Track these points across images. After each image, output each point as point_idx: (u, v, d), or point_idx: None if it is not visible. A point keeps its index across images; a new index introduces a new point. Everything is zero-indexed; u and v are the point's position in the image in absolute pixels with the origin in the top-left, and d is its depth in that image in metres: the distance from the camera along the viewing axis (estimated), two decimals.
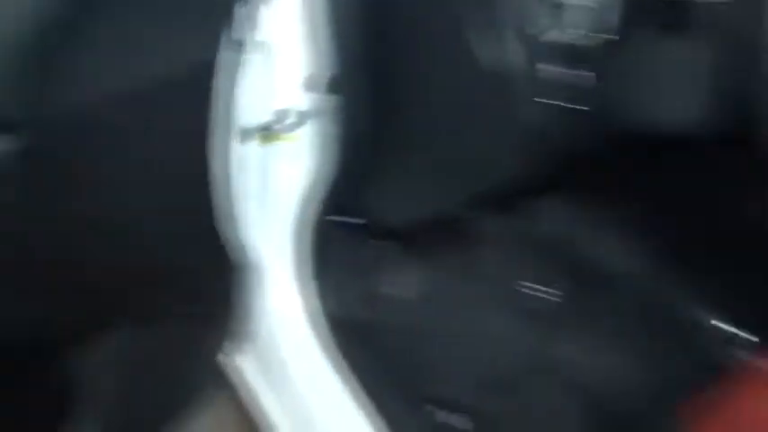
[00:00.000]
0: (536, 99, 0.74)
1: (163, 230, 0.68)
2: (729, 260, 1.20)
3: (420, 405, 1.07)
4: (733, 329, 1.20)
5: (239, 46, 0.68)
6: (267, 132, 0.86)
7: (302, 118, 0.89)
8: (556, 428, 1.11)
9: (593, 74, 0.79)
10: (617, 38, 0.79)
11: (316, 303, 1.03)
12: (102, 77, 0.59)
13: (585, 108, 0.79)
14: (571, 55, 0.76)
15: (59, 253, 0.61)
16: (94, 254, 0.63)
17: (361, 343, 1.08)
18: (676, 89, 0.82)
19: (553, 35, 0.77)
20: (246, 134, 0.81)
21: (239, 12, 0.67)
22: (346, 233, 1.06)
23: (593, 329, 1.26)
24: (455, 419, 1.05)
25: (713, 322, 1.24)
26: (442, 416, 1.06)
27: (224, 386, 1.09)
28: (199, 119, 0.65)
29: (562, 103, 0.76)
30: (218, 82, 0.64)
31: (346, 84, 0.85)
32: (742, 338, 1.16)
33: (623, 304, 1.31)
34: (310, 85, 0.86)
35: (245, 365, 1.09)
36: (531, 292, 1.30)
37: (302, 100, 0.88)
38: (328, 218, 1.00)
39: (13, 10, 0.54)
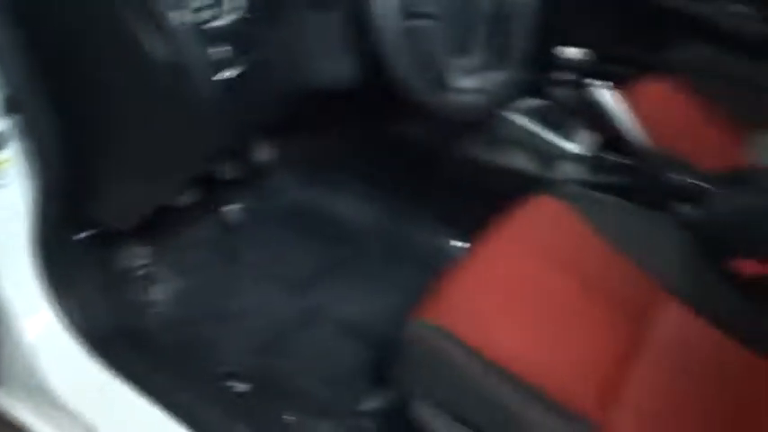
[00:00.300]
0: (210, 79, 0.83)
1: None
2: (441, 186, 1.43)
3: (213, 384, 1.12)
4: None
5: None
6: None
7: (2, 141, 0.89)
8: (335, 368, 1.23)
9: (258, 49, 0.91)
10: (271, 16, 0.93)
11: (69, 323, 1.04)
12: None
13: (259, 79, 0.91)
14: (235, 35, 0.88)
15: None
16: None
17: (134, 349, 1.10)
18: (328, 53, 0.99)
19: (215, 20, 0.88)
20: None
21: None
22: (80, 246, 1.08)
23: (350, 277, 1.42)
24: (239, 386, 1.12)
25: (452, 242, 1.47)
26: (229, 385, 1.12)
27: None
28: None
29: (236, 79, 0.87)
30: None
31: (23, 101, 0.87)
32: None
33: (372, 248, 1.49)
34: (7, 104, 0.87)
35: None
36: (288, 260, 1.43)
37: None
38: (59, 235, 1.02)
39: None
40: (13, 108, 0.89)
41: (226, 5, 0.88)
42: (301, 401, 1.13)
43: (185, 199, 1.32)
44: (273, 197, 1.59)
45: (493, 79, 1.01)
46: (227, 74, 0.83)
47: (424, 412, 0.87)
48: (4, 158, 0.92)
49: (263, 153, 1.52)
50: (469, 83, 0.96)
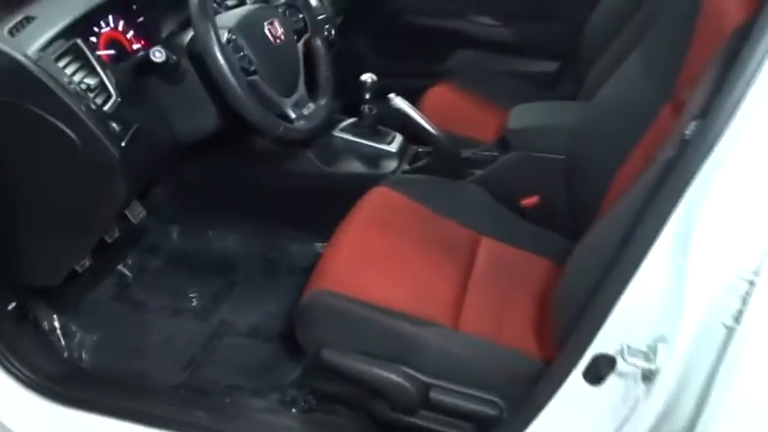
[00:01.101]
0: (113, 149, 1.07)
1: None
2: (299, 201, 1.75)
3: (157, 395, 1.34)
4: None
5: None
6: None
7: None
8: (252, 363, 1.50)
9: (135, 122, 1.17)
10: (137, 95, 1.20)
11: (18, 368, 1.22)
12: None
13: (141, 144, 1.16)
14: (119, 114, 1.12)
15: None
16: None
17: (74, 385, 1.30)
18: (184, 113, 1.27)
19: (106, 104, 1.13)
20: None
21: None
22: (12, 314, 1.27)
23: (242, 294, 1.70)
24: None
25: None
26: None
27: None
28: None
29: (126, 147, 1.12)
30: None
31: None
32: None
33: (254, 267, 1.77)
34: None
35: None
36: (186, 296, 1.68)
37: None
38: None
39: None
40: None
41: (112, 93, 1.14)
42: (235, 394, 1.38)
43: (84, 264, 1.52)
44: (157, 250, 1.81)
45: (316, 107, 1.36)
46: (122, 144, 1.09)
47: (332, 356, 1.17)
48: None
49: (137, 213, 1.75)
50: (301, 112, 1.29)
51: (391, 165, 1.67)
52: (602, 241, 0.92)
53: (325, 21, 1.73)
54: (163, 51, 1.11)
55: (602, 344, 0.83)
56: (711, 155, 0.68)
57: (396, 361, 1.14)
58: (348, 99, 1.78)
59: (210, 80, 1.15)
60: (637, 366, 0.77)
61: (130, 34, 1.30)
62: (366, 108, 1.65)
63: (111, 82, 1.10)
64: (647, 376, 0.78)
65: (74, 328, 1.51)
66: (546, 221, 1.48)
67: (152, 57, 1.10)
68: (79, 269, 1.50)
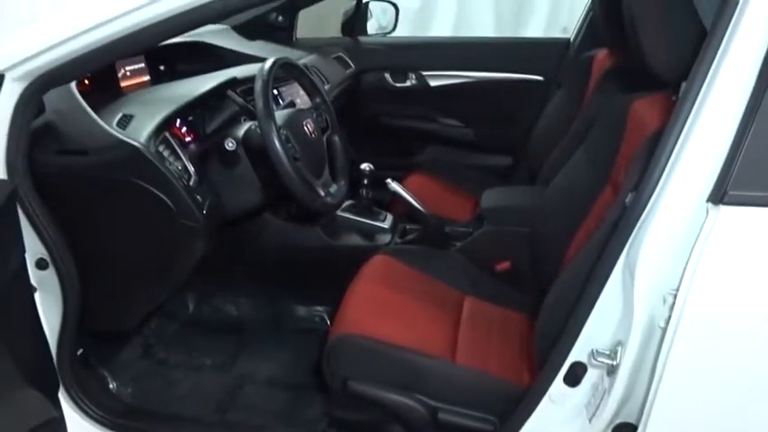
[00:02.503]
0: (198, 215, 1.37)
1: None
2: (305, 270, 2.04)
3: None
4: None
5: None
6: None
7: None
8: (275, 407, 1.73)
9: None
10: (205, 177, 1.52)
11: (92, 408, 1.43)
12: None
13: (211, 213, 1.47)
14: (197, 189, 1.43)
15: None
16: None
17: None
18: (242, 191, 1.59)
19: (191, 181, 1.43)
20: None
21: None
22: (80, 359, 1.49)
23: (256, 350, 1.94)
24: None
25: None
26: None
27: None
28: None
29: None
30: None
31: (52, 260, 1.27)
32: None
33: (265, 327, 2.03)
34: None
35: None
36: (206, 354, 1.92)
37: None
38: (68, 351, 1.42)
39: None
40: (41, 266, 1.31)
41: (191, 174, 1.44)
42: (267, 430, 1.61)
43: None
44: (174, 316, 2.05)
45: (338, 187, 1.70)
46: (204, 212, 1.38)
47: (356, 386, 1.44)
48: None
49: None
50: (328, 191, 1.62)
51: (385, 238, 2.00)
52: (569, 282, 1.26)
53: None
54: (234, 141, 1.44)
55: (577, 353, 1.16)
56: (643, 213, 1.04)
57: (408, 389, 1.42)
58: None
59: (261, 164, 1.48)
60: (603, 363, 1.10)
61: (184, 129, 1.62)
62: (364, 191, 1.99)
63: (190, 165, 1.41)
64: (611, 371, 1.11)
65: (111, 381, 1.71)
66: (516, 281, 1.82)
67: (226, 145, 1.43)
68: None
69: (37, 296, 1.32)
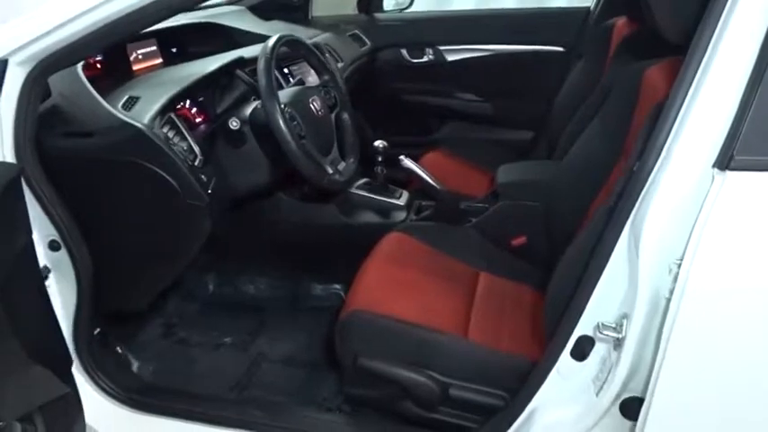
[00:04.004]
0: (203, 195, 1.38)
1: None
2: (321, 249, 2.05)
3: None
4: None
5: None
6: None
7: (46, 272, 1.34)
8: (292, 384, 1.74)
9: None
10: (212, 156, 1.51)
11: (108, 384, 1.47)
12: None
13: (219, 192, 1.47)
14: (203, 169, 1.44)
15: None
16: None
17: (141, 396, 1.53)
18: (250, 170, 1.59)
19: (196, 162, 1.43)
20: None
21: None
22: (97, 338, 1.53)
23: (274, 329, 1.96)
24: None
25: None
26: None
27: None
28: None
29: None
30: None
31: (64, 241, 1.29)
32: None
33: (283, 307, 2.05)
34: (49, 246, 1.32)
35: None
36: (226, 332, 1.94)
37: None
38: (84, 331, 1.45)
39: None
40: (54, 247, 1.33)
41: (197, 154, 1.45)
42: (279, 408, 1.62)
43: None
44: (195, 295, 2.09)
45: (346, 164, 1.69)
46: (209, 191, 1.39)
47: (367, 362, 1.44)
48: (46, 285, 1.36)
49: None
50: (336, 168, 1.62)
51: (400, 215, 1.99)
52: (577, 254, 1.24)
53: None
54: (238, 121, 1.44)
55: (583, 327, 1.14)
56: (648, 181, 1.01)
57: (419, 365, 1.42)
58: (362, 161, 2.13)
59: (267, 143, 1.48)
60: (609, 336, 1.08)
61: (194, 110, 1.63)
62: (379, 169, 1.98)
63: (196, 146, 1.42)
64: (617, 344, 1.08)
65: (132, 359, 1.75)
66: (532, 257, 1.80)
67: (230, 125, 1.43)
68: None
69: (52, 277, 1.35)
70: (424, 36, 2.67)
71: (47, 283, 1.34)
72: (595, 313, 1.12)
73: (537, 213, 1.80)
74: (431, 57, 2.66)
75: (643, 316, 1.03)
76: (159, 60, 1.88)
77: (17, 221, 1.08)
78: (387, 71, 2.69)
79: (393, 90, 2.72)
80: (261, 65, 1.43)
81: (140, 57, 1.80)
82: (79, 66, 1.36)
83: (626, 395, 1.11)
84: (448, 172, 2.29)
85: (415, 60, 2.68)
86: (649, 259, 1.01)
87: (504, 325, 1.55)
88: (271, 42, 1.50)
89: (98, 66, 1.67)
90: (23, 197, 1.12)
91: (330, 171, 1.57)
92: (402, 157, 1.90)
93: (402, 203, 2.01)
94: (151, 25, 1.21)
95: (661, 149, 1.00)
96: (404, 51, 2.67)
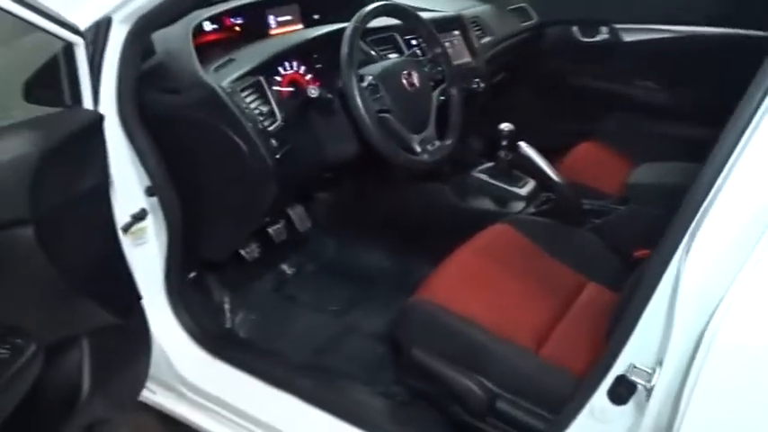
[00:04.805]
0: (268, 160, 1.40)
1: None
2: (431, 230, 1.98)
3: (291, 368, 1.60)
4: None
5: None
6: (130, 227, 1.43)
7: (144, 214, 1.47)
8: (367, 358, 1.73)
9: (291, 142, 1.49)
10: (297, 122, 1.52)
11: (188, 332, 1.58)
12: None
13: (293, 159, 1.48)
14: (279, 134, 1.46)
15: None
16: None
17: (230, 348, 1.63)
18: (334, 140, 1.58)
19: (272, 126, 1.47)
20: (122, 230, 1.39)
21: None
22: (192, 283, 1.65)
23: (371, 304, 1.95)
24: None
25: None
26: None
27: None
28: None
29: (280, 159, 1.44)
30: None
31: (158, 188, 1.42)
32: None
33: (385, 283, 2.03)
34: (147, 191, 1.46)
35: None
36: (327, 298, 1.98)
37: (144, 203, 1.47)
38: (178, 275, 1.58)
39: None
40: (150, 193, 1.46)
41: (278, 118, 1.48)
42: (346, 380, 1.62)
43: (253, 255, 1.89)
44: (315, 257, 2.15)
45: (440, 145, 1.59)
46: (276, 156, 1.41)
47: (419, 355, 1.37)
48: (144, 225, 1.49)
49: (305, 223, 2.10)
50: (426, 148, 1.53)
51: (518, 206, 1.83)
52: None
53: (474, 74, 1.98)
54: (317, 89, 1.43)
55: (621, 366, 0.94)
56: (706, 199, 0.79)
57: (473, 369, 1.30)
58: (485, 143, 1.99)
59: (351, 114, 1.45)
60: (639, 383, 0.88)
61: (309, 77, 1.64)
62: (502, 153, 1.84)
63: (279, 110, 1.44)
64: (648, 395, 0.88)
65: (240, 306, 1.87)
66: None
67: (309, 93, 1.43)
68: (248, 258, 1.87)
69: (149, 219, 1.49)
70: (600, 12, 2.38)
71: (144, 224, 1.48)
72: (635, 352, 0.92)
73: (666, 223, 1.52)
74: (605, 36, 2.37)
75: (674, 366, 0.82)
76: (300, 26, 1.94)
77: (86, 164, 1.19)
78: (552, 49, 2.45)
79: (557, 71, 2.47)
80: (348, 31, 1.40)
81: (278, 24, 1.87)
82: (189, 24, 1.45)
83: None
84: (596, 167, 2.05)
85: (587, 39, 2.40)
86: (689, 296, 0.80)
87: (590, 345, 1.35)
88: (366, 9, 1.46)
89: (236, 28, 1.77)
90: (101, 143, 1.24)
91: (418, 149, 1.48)
92: (521, 143, 1.73)
93: (523, 193, 1.84)
94: None
95: (726, 158, 0.78)
96: (575, 29, 2.41)
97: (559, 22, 2.44)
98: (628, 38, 2.34)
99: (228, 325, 1.80)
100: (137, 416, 1.65)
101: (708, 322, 0.75)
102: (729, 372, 0.74)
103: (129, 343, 1.36)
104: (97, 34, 1.27)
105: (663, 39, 2.28)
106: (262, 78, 1.44)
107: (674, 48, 2.26)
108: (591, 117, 2.38)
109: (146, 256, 1.50)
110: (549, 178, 1.71)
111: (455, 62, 1.90)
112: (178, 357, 1.56)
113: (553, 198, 1.80)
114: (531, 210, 1.83)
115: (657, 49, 2.29)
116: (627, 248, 1.62)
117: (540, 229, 1.65)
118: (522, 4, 2.43)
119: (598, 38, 2.40)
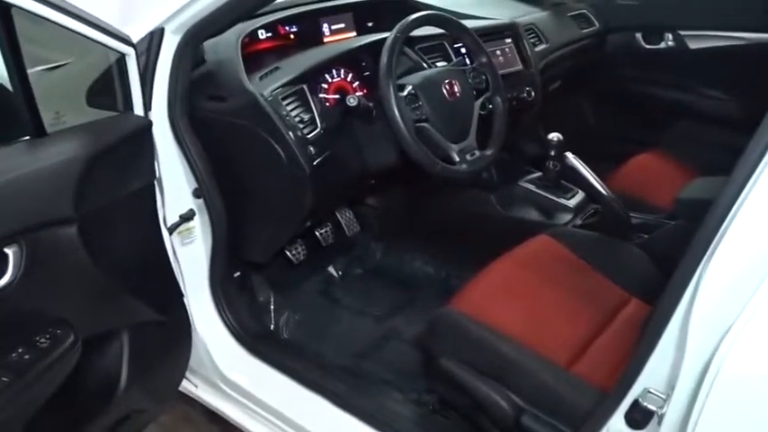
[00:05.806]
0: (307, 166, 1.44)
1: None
2: (476, 238, 1.97)
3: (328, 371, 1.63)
4: None
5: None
6: (178, 228, 1.51)
7: (192, 214, 1.54)
8: (405, 365, 1.73)
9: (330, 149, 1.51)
10: (338, 130, 1.55)
11: (231, 330, 1.64)
12: None
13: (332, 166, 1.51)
14: (318, 142, 1.49)
15: None
16: None
17: (271, 349, 1.67)
18: (374, 148, 1.59)
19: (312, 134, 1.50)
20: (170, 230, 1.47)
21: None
22: (237, 282, 1.71)
23: (413, 310, 1.96)
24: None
25: None
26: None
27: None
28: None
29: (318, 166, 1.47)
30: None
31: (204, 190, 1.46)
32: None
33: (428, 291, 2.03)
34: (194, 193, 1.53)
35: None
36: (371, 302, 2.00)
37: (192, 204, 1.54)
38: (224, 274, 1.64)
39: None
40: (197, 195, 1.51)
41: (318, 126, 1.51)
42: (380, 386, 1.64)
43: (299, 258, 1.94)
44: (362, 261, 2.18)
45: (480, 155, 1.57)
46: (314, 163, 1.44)
47: (447, 364, 1.36)
48: (192, 225, 1.55)
49: (353, 228, 2.14)
50: (465, 158, 1.52)
51: (565, 218, 1.79)
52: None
53: (526, 83, 1.95)
54: (356, 98, 1.45)
55: (639, 389, 0.91)
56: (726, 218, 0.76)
57: (500, 381, 1.29)
58: (533, 153, 1.95)
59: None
60: (651, 409, 0.85)
61: (356, 84, 1.67)
62: (550, 164, 1.80)
63: (320, 118, 1.48)
64: (660, 420, 0.85)
65: (284, 306, 1.92)
66: None
67: (348, 102, 1.45)
68: (294, 260, 1.92)
69: (196, 220, 1.55)
70: (665, 19, 2.29)
71: (192, 224, 1.55)
72: (649, 376, 0.89)
73: None
74: (670, 43, 2.27)
75: (686, 393, 0.79)
76: (353, 34, 1.97)
77: (134, 167, 1.26)
78: (615, 56, 2.38)
79: (619, 79, 2.40)
80: (389, 41, 1.41)
81: (331, 31, 1.91)
82: (239, 34, 1.51)
83: None
84: (654, 179, 1.98)
85: (651, 46, 2.32)
86: (701, 323, 0.77)
87: (625, 365, 1.31)
88: (409, 19, 1.47)
89: (291, 36, 1.82)
90: (149, 148, 1.31)
91: (456, 159, 1.48)
92: (568, 153, 1.69)
93: (571, 205, 1.80)
94: None
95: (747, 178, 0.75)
96: (638, 36, 2.33)
97: (623, 28, 2.37)
98: (693, 45, 2.24)
99: (272, 324, 1.85)
100: (182, 407, 1.72)
101: (716, 349, 0.72)
102: (735, 401, 0.70)
103: (168, 338, 1.43)
104: (150, 44, 1.34)
105: (731, 46, 2.17)
106: (305, 86, 1.48)
107: (743, 56, 2.15)
108: (654, 126, 2.29)
109: (192, 255, 1.57)
110: (595, 189, 1.66)
111: (506, 70, 1.88)
112: (217, 353, 1.62)
113: (600, 210, 1.76)
114: (578, 222, 1.79)
115: (725, 57, 2.18)
116: (671, 266, 1.55)
117: (584, 241, 1.61)
118: (583, 11, 2.38)
119: (662, 45, 2.31)
